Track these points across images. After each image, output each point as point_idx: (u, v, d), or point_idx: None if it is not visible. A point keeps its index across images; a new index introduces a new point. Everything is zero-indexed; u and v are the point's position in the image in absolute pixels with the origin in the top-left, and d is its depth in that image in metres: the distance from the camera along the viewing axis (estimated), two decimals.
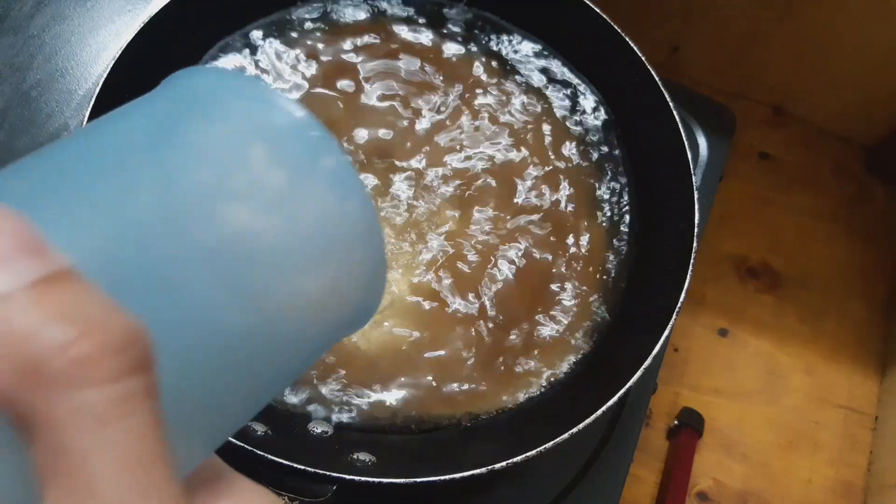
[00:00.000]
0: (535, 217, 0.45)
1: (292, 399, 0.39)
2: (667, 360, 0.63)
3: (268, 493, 0.18)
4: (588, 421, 0.35)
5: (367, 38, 0.48)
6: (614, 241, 0.46)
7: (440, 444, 0.39)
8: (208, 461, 0.18)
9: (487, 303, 0.42)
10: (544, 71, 0.49)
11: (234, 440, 0.32)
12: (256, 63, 0.46)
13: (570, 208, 0.46)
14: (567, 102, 0.49)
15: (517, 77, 0.49)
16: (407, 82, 0.47)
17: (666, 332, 0.38)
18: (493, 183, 0.45)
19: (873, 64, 0.63)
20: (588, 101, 0.49)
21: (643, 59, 0.44)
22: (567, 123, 0.48)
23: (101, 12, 0.54)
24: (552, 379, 0.42)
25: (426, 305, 0.42)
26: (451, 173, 0.45)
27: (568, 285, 0.44)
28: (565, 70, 0.50)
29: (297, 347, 0.18)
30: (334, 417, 0.39)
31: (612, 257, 0.45)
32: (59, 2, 0.54)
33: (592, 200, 0.46)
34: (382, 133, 0.45)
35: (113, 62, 0.40)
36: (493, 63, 0.49)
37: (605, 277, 0.45)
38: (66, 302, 0.13)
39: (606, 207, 0.46)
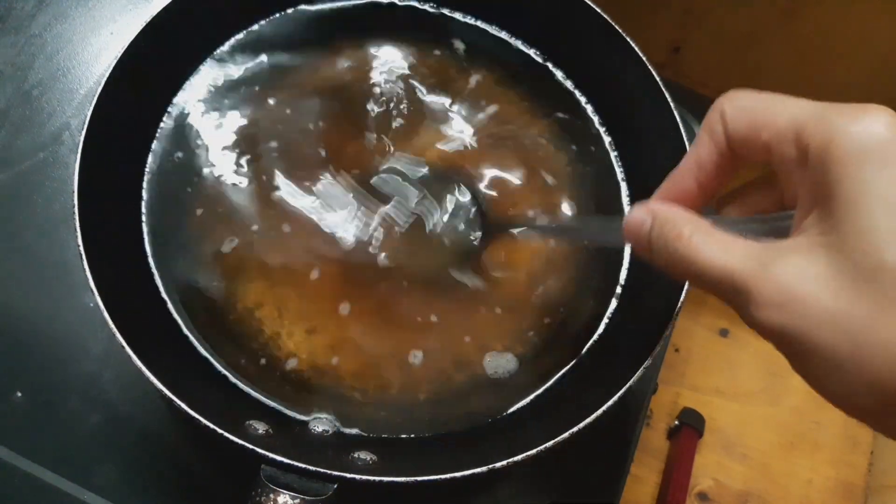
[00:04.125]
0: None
1: (293, 400, 0.39)
2: (667, 360, 0.63)
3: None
4: (588, 421, 0.35)
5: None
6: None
7: (441, 443, 0.39)
8: None
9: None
10: (544, 71, 0.50)
11: (234, 438, 0.32)
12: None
13: (570, 208, 0.46)
14: (566, 102, 0.49)
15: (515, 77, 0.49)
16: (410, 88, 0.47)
17: (666, 332, 0.38)
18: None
19: (873, 66, 0.63)
20: (587, 101, 0.49)
21: (643, 58, 0.44)
22: (566, 123, 0.48)
23: (102, 11, 0.54)
24: (552, 379, 0.42)
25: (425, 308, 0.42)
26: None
27: (567, 286, 0.44)
28: (565, 70, 0.50)
29: None
30: (335, 417, 0.39)
31: (611, 257, 0.45)
32: (61, 1, 0.54)
33: (592, 201, 0.47)
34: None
35: (115, 62, 0.40)
36: (493, 63, 0.49)
37: (604, 277, 0.45)
38: None
39: (606, 207, 0.46)
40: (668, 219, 0.27)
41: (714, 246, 0.25)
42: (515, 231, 0.41)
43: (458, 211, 0.43)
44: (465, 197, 0.43)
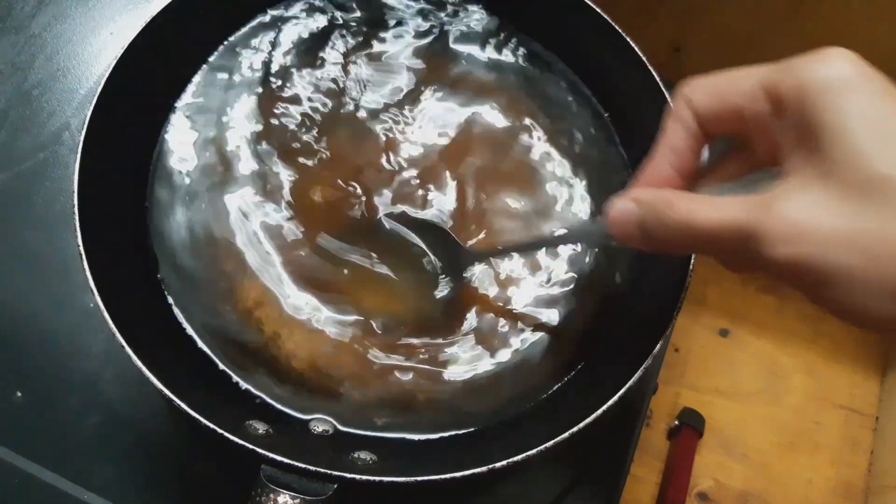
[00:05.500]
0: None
1: (293, 400, 0.39)
2: (667, 361, 0.63)
3: None
4: (588, 421, 0.35)
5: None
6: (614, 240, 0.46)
7: (441, 443, 0.39)
8: None
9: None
10: (544, 71, 0.50)
11: (234, 438, 0.32)
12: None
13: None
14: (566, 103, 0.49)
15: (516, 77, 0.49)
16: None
17: (666, 332, 0.38)
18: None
19: (873, 65, 0.63)
20: (587, 101, 0.49)
21: (643, 59, 0.44)
22: (566, 124, 0.48)
23: (102, 11, 0.54)
24: (552, 379, 0.42)
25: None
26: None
27: (568, 286, 0.44)
28: (564, 69, 0.50)
29: None
30: (335, 417, 0.39)
31: (611, 257, 0.45)
32: (61, 1, 0.54)
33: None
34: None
35: (115, 62, 0.40)
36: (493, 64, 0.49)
37: (604, 277, 0.45)
38: None
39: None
40: (655, 197, 0.28)
41: (708, 206, 0.26)
42: (494, 258, 0.42)
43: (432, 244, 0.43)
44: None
